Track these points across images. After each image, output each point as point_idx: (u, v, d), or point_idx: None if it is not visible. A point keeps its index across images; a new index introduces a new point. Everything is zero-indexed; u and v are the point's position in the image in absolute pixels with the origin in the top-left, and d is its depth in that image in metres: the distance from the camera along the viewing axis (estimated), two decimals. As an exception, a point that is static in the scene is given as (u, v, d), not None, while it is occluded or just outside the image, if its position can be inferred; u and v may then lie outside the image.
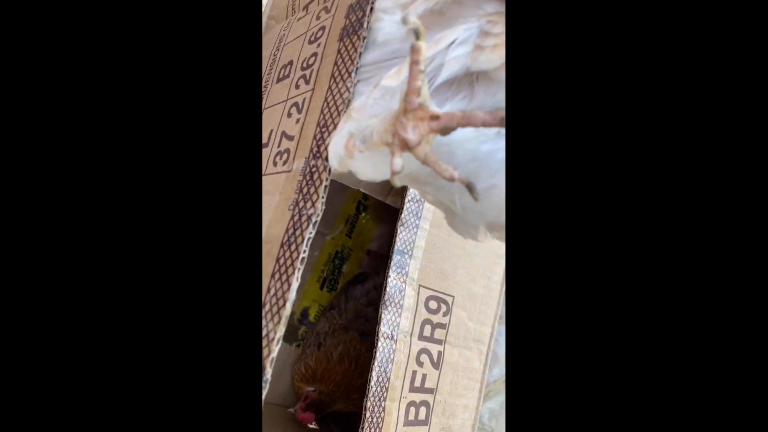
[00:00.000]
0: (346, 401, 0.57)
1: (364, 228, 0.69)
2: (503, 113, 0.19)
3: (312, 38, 0.26)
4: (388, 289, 0.36)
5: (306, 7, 0.30)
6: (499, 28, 0.23)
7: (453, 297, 0.41)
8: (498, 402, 0.60)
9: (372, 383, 0.34)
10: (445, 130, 0.19)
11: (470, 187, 0.19)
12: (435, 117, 0.19)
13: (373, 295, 0.59)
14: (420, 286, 0.39)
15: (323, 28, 0.25)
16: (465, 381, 0.42)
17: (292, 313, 0.66)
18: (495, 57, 0.22)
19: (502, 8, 0.23)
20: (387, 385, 0.35)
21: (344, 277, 0.68)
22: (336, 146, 0.23)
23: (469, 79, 0.24)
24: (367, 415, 0.33)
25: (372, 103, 0.22)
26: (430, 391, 0.39)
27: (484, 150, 0.23)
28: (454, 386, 0.41)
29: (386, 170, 0.21)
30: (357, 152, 0.22)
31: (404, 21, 0.20)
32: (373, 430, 0.33)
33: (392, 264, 0.37)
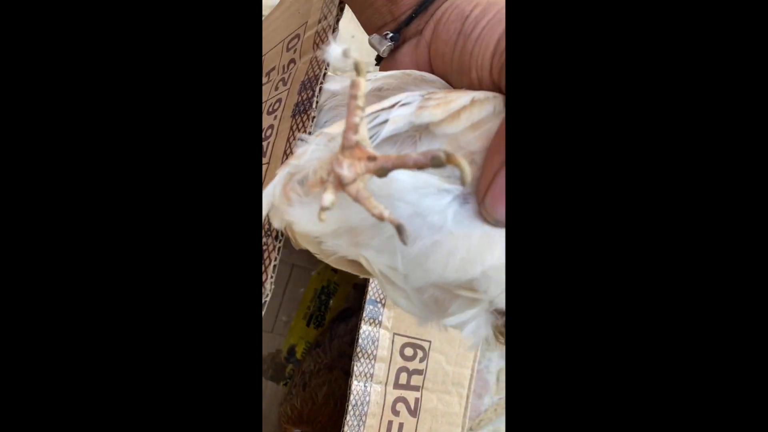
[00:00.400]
0: (333, 442, 0.57)
1: (351, 261, 0.70)
2: (436, 153, 0.19)
3: (270, 109, 0.27)
4: (360, 340, 0.36)
5: (268, 74, 0.31)
6: (441, 94, 0.23)
7: (429, 342, 0.41)
8: (489, 431, 0.59)
9: (345, 436, 0.34)
10: (381, 171, 0.20)
11: (400, 229, 0.19)
12: (372, 157, 0.20)
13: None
14: (395, 334, 0.39)
15: (279, 100, 0.26)
16: (445, 426, 0.41)
17: (279, 351, 0.66)
18: (438, 112, 0.22)
19: (442, 87, 0.24)
20: (361, 437, 0.35)
21: (331, 312, 0.68)
22: (272, 192, 0.23)
23: (412, 138, 0.24)
24: (341, 472, 0.33)
25: (314, 148, 0.23)
26: (408, 439, 0.39)
27: (426, 204, 0.24)
28: (434, 432, 0.41)
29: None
30: (295, 196, 0.22)
31: (345, 54, 0.20)
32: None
33: (364, 315, 0.37)
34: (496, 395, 0.61)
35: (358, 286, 0.70)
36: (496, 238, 0.23)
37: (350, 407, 0.35)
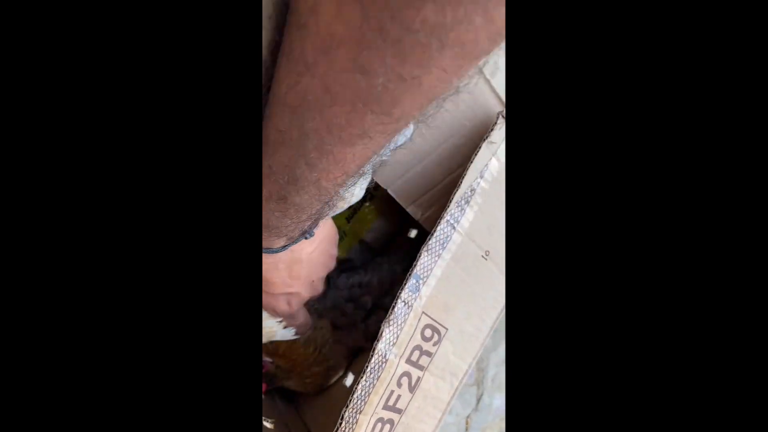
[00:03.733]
0: (297, 381, 0.57)
1: (365, 217, 0.69)
2: None
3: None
4: (396, 309, 0.36)
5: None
6: None
7: (447, 329, 0.42)
8: None
9: (355, 396, 0.34)
10: None
11: None
12: None
13: (356, 292, 0.59)
14: (423, 312, 0.39)
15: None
16: (430, 409, 0.43)
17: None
18: None
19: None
20: (366, 399, 0.35)
21: (332, 259, 0.67)
22: None
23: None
24: (342, 424, 0.34)
25: None
26: (399, 411, 0.39)
27: None
28: (420, 411, 0.42)
29: None
30: None
31: None
32: (341, 438, 0.34)
33: (406, 285, 0.37)
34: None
35: (364, 243, 0.70)
36: None
37: (369, 368, 0.35)
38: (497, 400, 0.71)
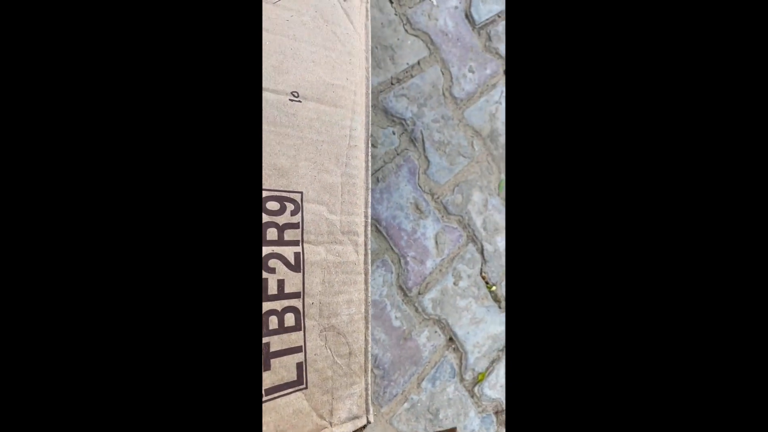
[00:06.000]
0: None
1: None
2: None
3: None
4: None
5: None
6: None
7: (301, 193, 0.37)
8: (438, 291, 0.58)
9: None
10: None
11: None
12: None
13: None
14: (249, 188, 0.35)
15: None
16: (341, 276, 0.39)
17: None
18: None
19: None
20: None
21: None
22: None
23: None
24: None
25: None
26: (295, 295, 0.36)
27: None
28: (329, 285, 0.38)
29: None
30: None
31: None
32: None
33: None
34: (438, 257, 0.59)
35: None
36: None
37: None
38: (500, 243, 0.65)
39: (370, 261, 0.41)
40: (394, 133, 0.55)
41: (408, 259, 0.54)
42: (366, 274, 0.40)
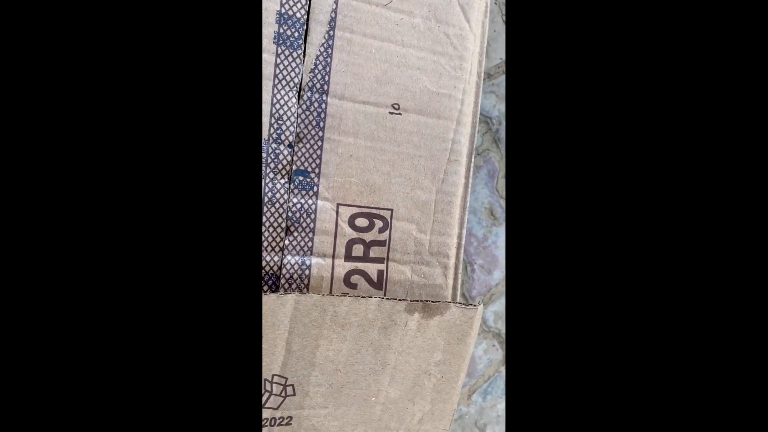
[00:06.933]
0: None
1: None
2: None
3: None
4: (291, 215, 0.34)
5: None
6: None
7: (391, 210, 0.36)
8: (501, 304, 0.53)
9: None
10: None
11: None
12: None
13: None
14: (339, 204, 0.35)
15: None
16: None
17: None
18: None
19: None
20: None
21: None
22: None
23: None
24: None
25: None
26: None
27: None
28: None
29: None
30: None
31: None
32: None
33: (294, 188, 0.34)
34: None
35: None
36: None
37: (284, 280, 0.33)
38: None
39: (460, 287, 0.38)
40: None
41: (475, 267, 0.51)
42: (453, 300, 0.38)
